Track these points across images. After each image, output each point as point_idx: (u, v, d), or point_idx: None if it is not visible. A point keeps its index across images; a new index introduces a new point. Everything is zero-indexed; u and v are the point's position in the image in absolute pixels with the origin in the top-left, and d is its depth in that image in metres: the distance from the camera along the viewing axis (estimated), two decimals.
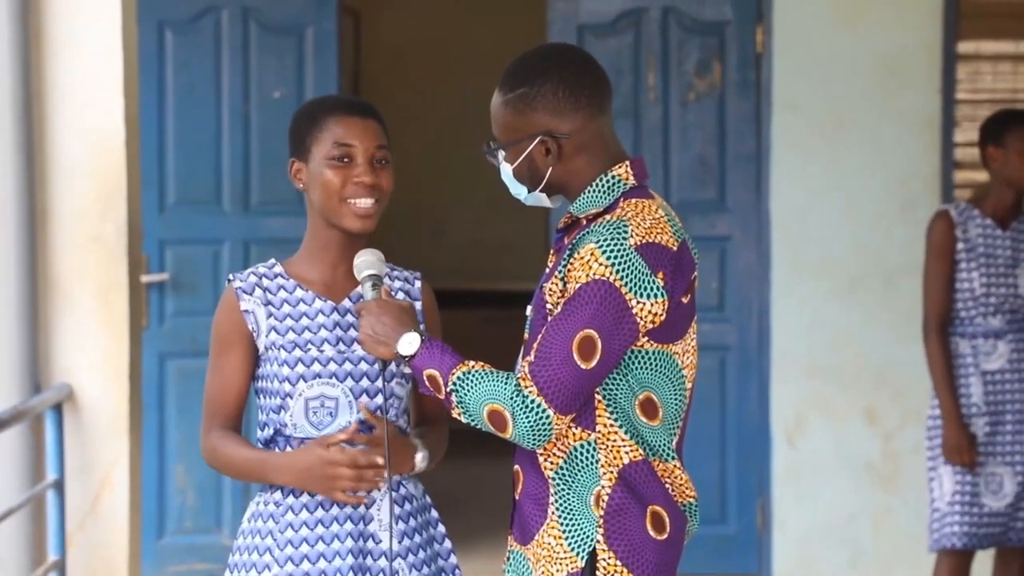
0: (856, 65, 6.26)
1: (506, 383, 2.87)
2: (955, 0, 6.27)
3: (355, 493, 3.07)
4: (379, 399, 3.13)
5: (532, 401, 2.85)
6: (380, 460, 3.04)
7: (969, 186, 6.21)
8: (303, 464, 3.05)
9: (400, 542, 3.14)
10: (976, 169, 6.05)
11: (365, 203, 3.12)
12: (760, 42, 6.38)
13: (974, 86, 6.33)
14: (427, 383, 2.95)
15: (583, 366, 2.84)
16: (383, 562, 3.12)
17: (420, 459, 3.13)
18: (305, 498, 3.12)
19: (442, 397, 2.94)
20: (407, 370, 3.01)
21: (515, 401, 2.85)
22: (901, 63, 6.26)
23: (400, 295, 3.23)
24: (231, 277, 3.20)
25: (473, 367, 2.91)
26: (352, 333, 3.15)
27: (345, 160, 3.12)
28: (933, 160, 6.27)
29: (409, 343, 2.98)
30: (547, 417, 2.85)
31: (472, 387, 2.89)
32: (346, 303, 3.18)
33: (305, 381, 3.12)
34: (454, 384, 2.91)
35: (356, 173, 3.12)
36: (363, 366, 3.14)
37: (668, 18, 6.42)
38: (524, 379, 2.86)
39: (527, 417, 2.85)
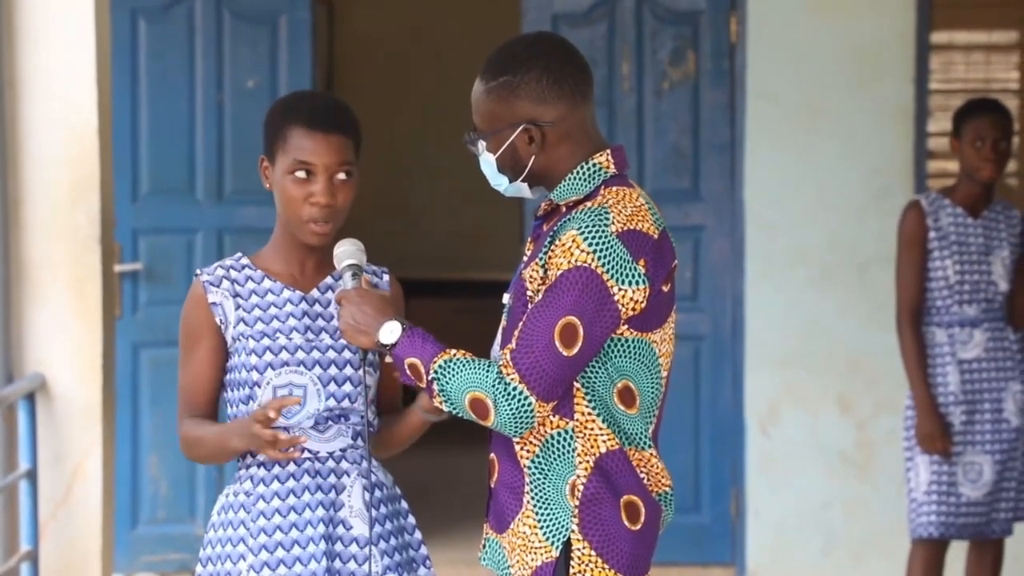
0: (830, 55, 6.27)
1: (488, 371, 2.87)
2: None
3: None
4: (347, 387, 3.13)
5: (514, 388, 2.85)
6: (286, 437, 2.98)
7: (943, 176, 6.23)
8: (246, 423, 3.03)
9: (373, 528, 3.14)
10: (950, 159, 6.07)
11: (320, 224, 3.11)
12: (734, 31, 6.38)
13: (947, 76, 6.35)
14: (408, 372, 2.95)
15: (565, 353, 2.84)
16: (354, 548, 3.12)
17: (387, 330, 2.99)
18: (276, 485, 3.12)
19: (423, 386, 2.93)
20: (388, 359, 3.01)
21: (497, 388, 2.85)
22: (875, 53, 6.27)
23: None
24: (198, 272, 3.19)
25: (455, 355, 2.91)
26: (320, 322, 3.15)
27: (306, 175, 3.10)
28: (906, 150, 6.29)
29: (390, 332, 2.97)
30: (529, 404, 2.85)
31: (454, 375, 2.89)
32: (315, 293, 3.18)
33: (273, 369, 3.11)
34: (435, 372, 2.90)
35: (316, 191, 3.09)
36: (331, 354, 3.14)
37: (642, 7, 6.42)
38: (506, 366, 2.85)
39: (509, 404, 2.85)
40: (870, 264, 6.26)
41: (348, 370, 3.14)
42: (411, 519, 3.25)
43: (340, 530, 3.13)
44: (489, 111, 2.99)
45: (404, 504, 3.25)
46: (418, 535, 3.24)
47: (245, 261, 3.21)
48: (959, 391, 5.14)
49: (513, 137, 2.97)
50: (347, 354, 3.14)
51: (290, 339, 3.13)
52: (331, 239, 3.14)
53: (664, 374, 2.98)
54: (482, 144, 3.02)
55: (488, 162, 3.02)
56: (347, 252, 3.13)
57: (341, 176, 3.11)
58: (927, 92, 6.29)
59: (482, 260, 10.67)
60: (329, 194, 3.09)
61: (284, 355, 3.12)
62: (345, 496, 3.14)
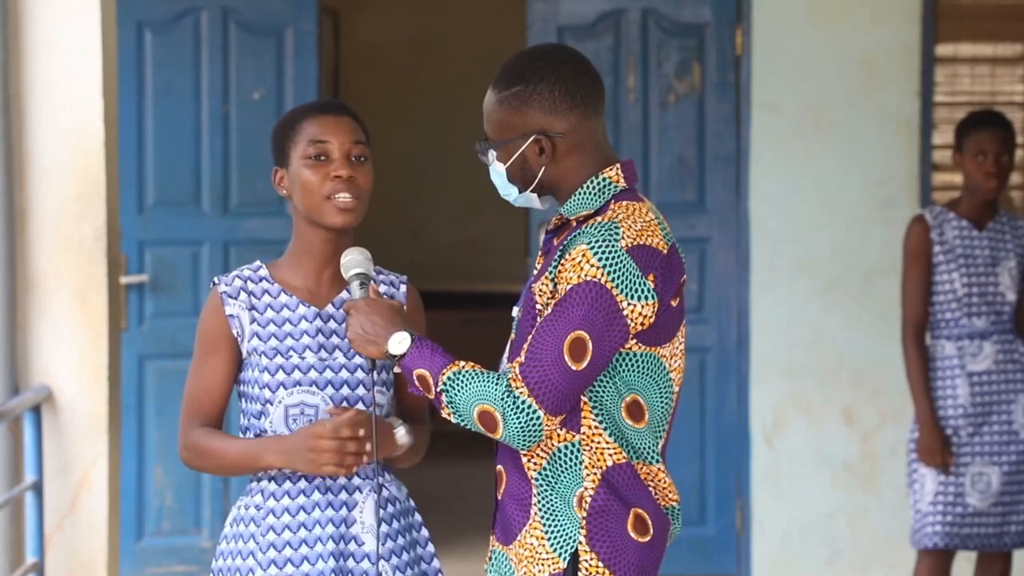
0: (835, 67, 6.28)
1: (497, 384, 2.87)
2: (933, 3, 6.29)
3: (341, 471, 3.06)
4: (360, 406, 3.12)
5: (523, 402, 2.85)
6: (362, 432, 3.03)
7: (948, 188, 6.23)
8: (291, 442, 3.05)
9: (384, 544, 3.14)
10: (955, 172, 6.08)
11: (345, 197, 3.11)
12: (739, 44, 6.39)
13: (952, 88, 6.35)
14: (417, 383, 2.95)
15: (574, 367, 2.84)
16: (366, 564, 3.12)
17: (401, 435, 3.11)
18: (287, 501, 3.12)
19: (432, 397, 2.93)
20: (397, 370, 3.01)
21: (506, 402, 2.86)
22: (880, 65, 6.28)
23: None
24: (216, 280, 3.19)
25: (464, 367, 2.91)
26: (334, 340, 3.15)
27: (321, 158, 3.12)
28: (911, 161, 6.29)
29: (399, 342, 2.97)
30: (537, 418, 2.86)
31: (463, 387, 2.89)
32: (329, 309, 3.17)
33: (286, 388, 3.11)
34: (444, 384, 2.91)
35: (333, 168, 3.11)
36: (344, 374, 3.13)
37: (647, 20, 6.43)
38: (515, 380, 2.86)
39: (518, 418, 2.85)
40: (874, 275, 6.26)
41: (361, 390, 3.13)
42: (424, 532, 3.24)
43: (352, 546, 3.12)
44: (500, 121, 2.99)
45: (417, 517, 3.25)
46: (431, 548, 3.24)
47: (264, 272, 3.20)
48: (968, 403, 5.14)
49: (523, 147, 2.98)
50: (360, 373, 3.13)
51: (303, 358, 3.12)
52: (357, 219, 3.13)
53: (675, 389, 2.98)
54: (493, 154, 3.02)
55: (498, 172, 3.02)
56: (354, 261, 3.12)
57: (356, 156, 3.12)
58: (932, 104, 6.30)
59: (487, 270, 10.68)
60: (348, 167, 3.10)
61: (297, 374, 3.12)
62: (357, 512, 3.13)
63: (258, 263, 3.22)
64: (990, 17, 6.40)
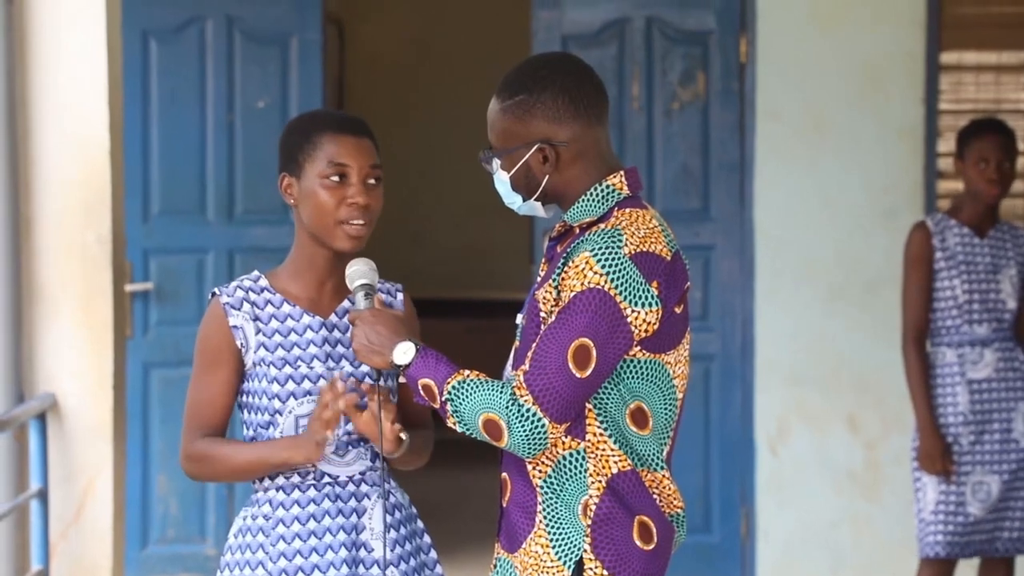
0: (839, 75, 6.28)
1: (501, 392, 2.87)
2: (937, 11, 6.29)
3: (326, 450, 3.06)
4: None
5: (527, 410, 2.85)
6: (341, 404, 3.01)
7: (952, 196, 6.23)
8: (301, 436, 3.05)
9: (392, 550, 3.14)
10: (960, 179, 6.08)
11: (358, 224, 3.11)
12: (744, 52, 6.40)
13: (957, 96, 6.36)
14: (422, 392, 2.95)
15: (578, 375, 2.85)
16: (376, 571, 3.12)
17: (401, 350, 3.01)
18: (296, 510, 3.11)
19: (437, 406, 2.94)
20: (402, 379, 3.01)
21: (510, 410, 2.86)
22: (884, 73, 6.28)
23: None
24: (217, 291, 3.17)
25: (468, 376, 2.92)
26: (340, 349, 3.15)
27: (339, 179, 3.11)
28: (916, 169, 6.30)
29: (404, 352, 2.98)
30: (542, 426, 2.86)
31: (467, 396, 2.89)
32: (333, 318, 3.17)
33: (296, 398, 3.10)
34: (449, 393, 2.91)
35: (350, 194, 3.10)
36: (352, 382, 3.13)
37: (652, 28, 6.44)
38: (519, 388, 2.86)
39: (522, 426, 2.86)
40: (879, 283, 6.27)
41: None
42: (427, 538, 3.25)
43: (362, 553, 3.13)
44: (504, 129, 3.00)
45: (420, 524, 3.25)
46: (433, 555, 3.24)
47: (264, 282, 3.18)
48: (968, 411, 5.14)
49: (527, 156, 2.98)
50: (368, 381, 3.13)
51: (311, 368, 3.12)
52: (363, 244, 3.13)
53: (679, 396, 2.99)
54: (497, 162, 3.03)
55: (502, 180, 3.03)
56: (359, 272, 3.12)
57: (372, 181, 3.12)
58: (936, 112, 6.31)
59: (490, 277, 10.66)
60: (364, 194, 3.10)
61: (307, 384, 3.11)
62: (366, 519, 3.13)
63: (257, 273, 3.21)
64: (994, 25, 6.41)
